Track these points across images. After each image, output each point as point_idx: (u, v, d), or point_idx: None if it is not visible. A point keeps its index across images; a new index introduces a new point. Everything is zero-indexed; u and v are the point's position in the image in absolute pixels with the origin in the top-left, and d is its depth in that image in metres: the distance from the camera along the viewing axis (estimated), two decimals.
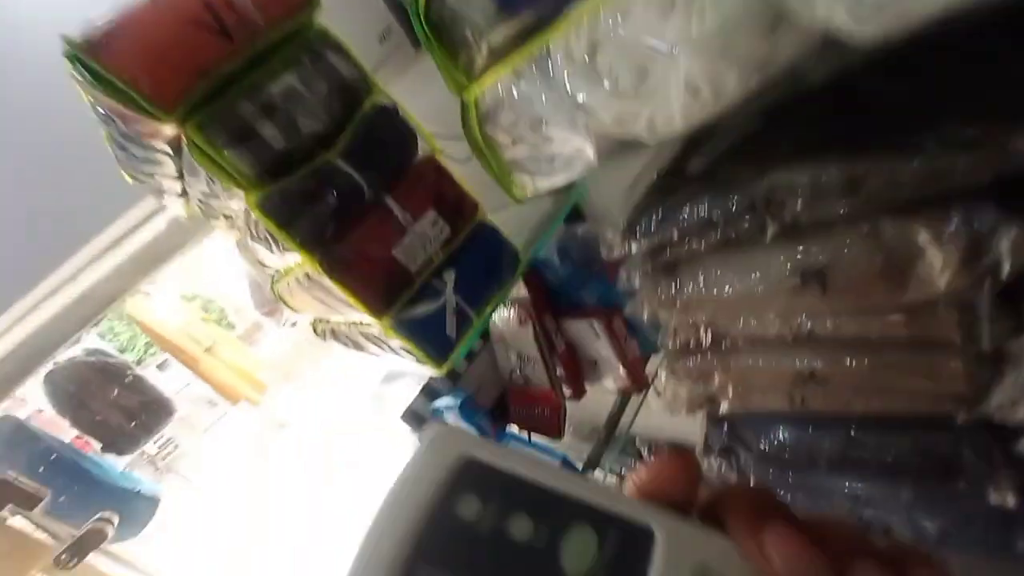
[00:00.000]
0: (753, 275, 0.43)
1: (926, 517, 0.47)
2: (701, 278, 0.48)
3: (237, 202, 0.57)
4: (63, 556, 1.13)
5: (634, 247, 0.51)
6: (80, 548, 1.17)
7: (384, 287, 0.61)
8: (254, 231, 0.58)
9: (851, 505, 0.52)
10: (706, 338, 0.53)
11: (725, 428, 0.60)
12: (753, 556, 0.14)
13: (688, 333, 0.55)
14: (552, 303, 0.98)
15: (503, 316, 1.04)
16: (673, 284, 0.50)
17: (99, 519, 1.29)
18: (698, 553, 0.14)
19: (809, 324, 0.44)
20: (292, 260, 0.63)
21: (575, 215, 0.90)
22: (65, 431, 2.32)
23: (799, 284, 0.40)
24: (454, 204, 0.66)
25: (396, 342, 0.67)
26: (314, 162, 0.52)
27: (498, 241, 0.72)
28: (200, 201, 0.66)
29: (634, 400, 1.00)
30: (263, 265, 0.80)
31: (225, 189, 0.51)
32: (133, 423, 2.08)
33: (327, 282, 0.61)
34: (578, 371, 1.00)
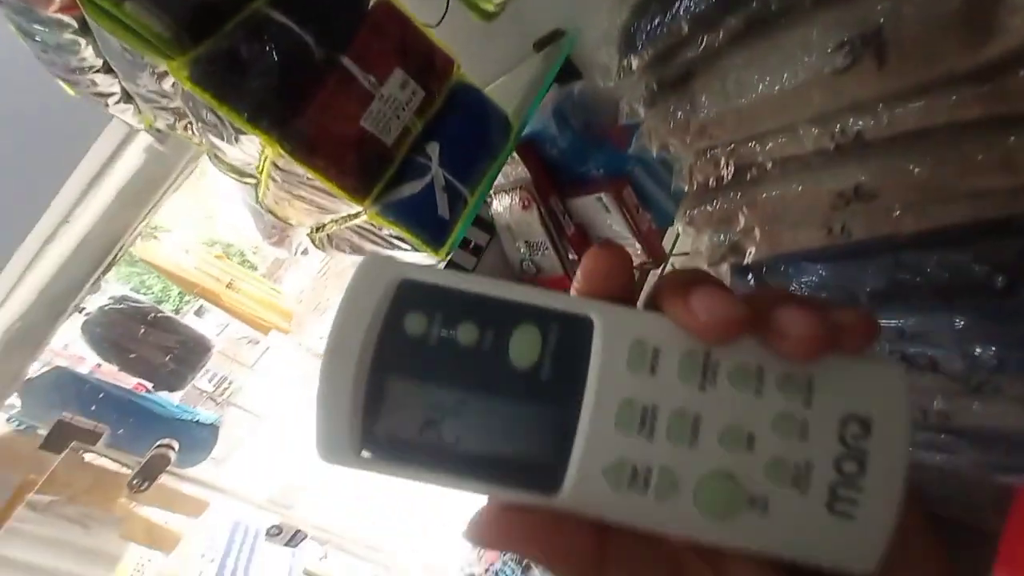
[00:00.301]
0: (787, 65, 0.35)
1: (982, 342, 0.42)
2: (719, 85, 0.39)
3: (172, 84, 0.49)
4: (134, 481, 1.22)
5: (635, 62, 0.42)
6: (148, 473, 1.27)
7: (359, 164, 0.55)
8: (202, 117, 0.52)
9: (894, 342, 0.47)
10: (727, 171, 0.45)
11: (751, 279, 0.54)
12: (681, 318, 0.15)
13: (707, 170, 0.47)
14: (556, 182, 0.90)
15: (505, 203, 0.97)
16: (686, 102, 0.42)
17: (160, 446, 1.38)
18: (633, 330, 0.15)
19: (857, 124, 0.36)
20: (253, 150, 0.57)
21: (568, 73, 0.78)
22: (123, 379, 2.48)
23: (848, 63, 0.32)
24: (424, 60, 0.57)
25: (388, 230, 0.62)
26: (242, 13, 0.43)
27: (483, 105, 0.64)
28: (144, 99, 0.59)
29: (652, 278, 0.95)
30: (236, 172, 0.74)
31: (148, 63, 0.44)
32: (169, 357, 2.19)
33: (299, 170, 0.55)
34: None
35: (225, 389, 4.16)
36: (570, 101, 0.78)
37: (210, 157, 0.76)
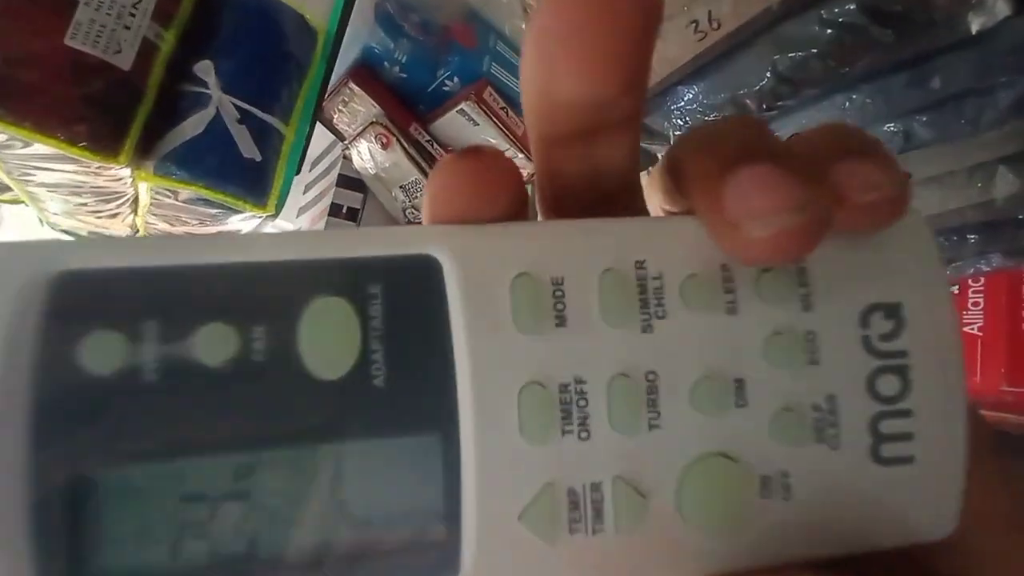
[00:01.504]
0: None
1: (887, 117, 0.36)
2: None
3: None
4: None
5: None
6: None
7: (86, 104, 0.38)
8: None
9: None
10: None
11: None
12: (720, 234, 0.09)
13: None
14: (410, 106, 0.77)
15: (364, 151, 0.83)
16: None
17: None
18: (512, 261, 0.09)
19: None
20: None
21: None
22: None
23: None
24: None
25: (186, 193, 0.47)
26: None
27: (262, 4, 0.48)
28: None
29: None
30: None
31: None
32: None
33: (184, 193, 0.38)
34: None
35: None
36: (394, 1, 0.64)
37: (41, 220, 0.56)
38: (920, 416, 0.09)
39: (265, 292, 0.09)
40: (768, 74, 0.35)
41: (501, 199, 0.09)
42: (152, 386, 0.08)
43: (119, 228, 0.65)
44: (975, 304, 0.88)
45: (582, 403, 0.09)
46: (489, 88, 0.71)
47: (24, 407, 0.08)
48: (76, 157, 0.40)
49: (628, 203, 0.11)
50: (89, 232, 0.68)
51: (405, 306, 0.09)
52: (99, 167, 0.41)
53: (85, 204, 0.53)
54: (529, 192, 0.10)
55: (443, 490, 0.09)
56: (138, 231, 0.66)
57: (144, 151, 0.43)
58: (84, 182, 0.48)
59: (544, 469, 0.09)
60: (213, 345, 0.08)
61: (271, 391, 0.08)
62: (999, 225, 0.41)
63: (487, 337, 0.09)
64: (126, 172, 0.44)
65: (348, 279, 0.09)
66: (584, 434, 0.09)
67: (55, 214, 0.57)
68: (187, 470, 0.08)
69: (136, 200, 0.52)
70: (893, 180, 0.09)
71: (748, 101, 0.36)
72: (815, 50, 0.32)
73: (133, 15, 0.40)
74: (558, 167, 0.10)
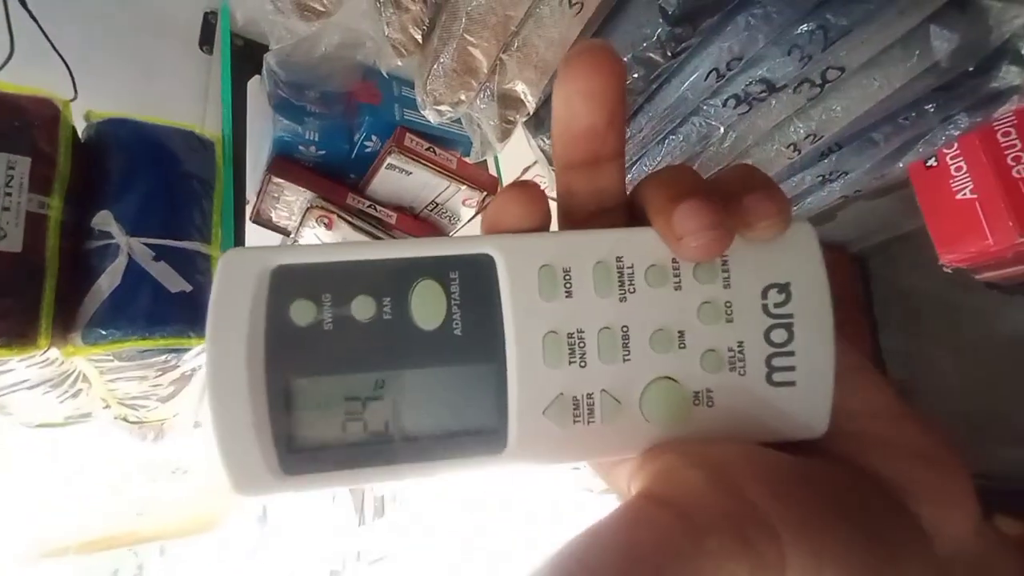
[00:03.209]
0: None
1: (798, 22, 0.34)
2: None
3: None
4: None
5: None
6: None
7: None
8: None
9: (721, 91, 0.38)
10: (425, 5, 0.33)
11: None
12: (671, 243, 0.14)
13: (409, 18, 0.34)
14: (338, 179, 0.75)
15: (311, 237, 0.80)
16: None
17: None
18: (538, 255, 0.14)
19: None
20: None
21: (248, 54, 0.62)
22: None
23: None
24: (5, 121, 0.39)
25: (126, 350, 0.44)
26: None
27: (146, 133, 0.46)
28: None
29: None
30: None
31: None
32: None
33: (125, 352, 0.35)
34: (428, 225, 0.81)
35: None
36: (275, 81, 0.62)
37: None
38: (800, 355, 0.14)
39: (390, 276, 0.14)
40: (661, 20, 0.32)
41: (536, 213, 0.14)
42: (328, 332, 0.13)
43: (87, 406, 0.62)
44: (958, 170, 0.85)
45: (582, 345, 0.14)
46: (408, 134, 0.69)
47: (260, 342, 0.13)
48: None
49: (619, 215, 0.15)
50: (66, 417, 0.64)
51: (473, 285, 0.14)
52: (22, 359, 0.38)
53: (46, 394, 0.51)
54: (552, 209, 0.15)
55: (496, 397, 0.14)
56: (108, 405, 0.63)
57: (65, 325, 0.40)
58: (27, 377, 0.46)
59: (558, 384, 0.14)
60: (362, 308, 0.13)
61: (394, 336, 0.13)
62: (952, 86, 0.38)
63: (523, 304, 0.14)
64: (55, 353, 0.40)
65: (438, 268, 0.14)
66: (583, 364, 0.14)
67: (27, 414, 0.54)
68: (348, 382, 0.13)
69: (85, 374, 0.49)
70: (780, 205, 0.13)
71: (652, 55, 0.34)
72: None
73: (9, 194, 0.37)
74: (573, 187, 0.15)
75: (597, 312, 0.14)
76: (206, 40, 0.61)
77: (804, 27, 0.32)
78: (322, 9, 0.29)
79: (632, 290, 0.14)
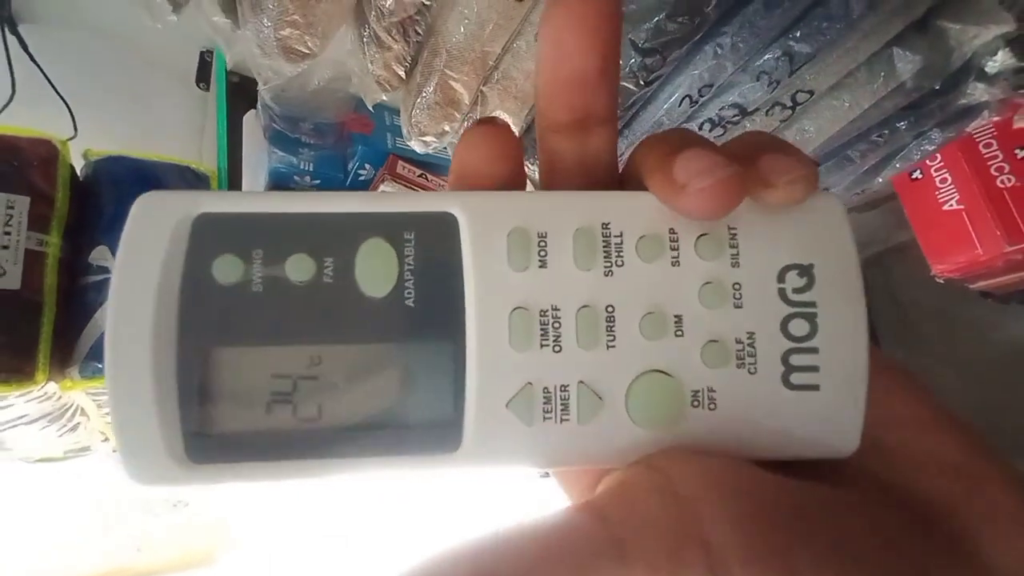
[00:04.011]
0: None
1: (764, 50, 0.35)
2: None
3: None
4: None
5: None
6: None
7: None
8: None
9: (696, 114, 0.39)
10: (410, 40, 0.34)
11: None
12: (668, 195, 0.11)
13: (393, 57, 0.36)
14: None
15: None
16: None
17: None
18: (509, 217, 0.12)
19: None
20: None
21: (242, 91, 0.64)
22: None
23: None
24: (5, 161, 0.40)
25: None
26: None
27: (143, 170, 0.48)
28: None
29: None
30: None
31: None
32: None
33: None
34: None
35: None
36: (270, 115, 0.64)
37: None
38: (825, 353, 0.11)
39: (334, 233, 0.12)
40: (632, 52, 0.34)
41: (506, 155, 0.12)
42: (257, 295, 0.11)
43: (86, 439, 0.62)
44: (943, 181, 0.86)
45: (556, 325, 0.11)
46: (400, 162, 0.71)
47: (174, 302, 0.11)
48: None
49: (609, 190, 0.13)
50: (65, 451, 0.65)
51: (430, 248, 0.12)
52: (20, 395, 0.39)
53: (44, 429, 0.51)
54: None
55: (451, 383, 0.11)
56: (106, 438, 0.63)
57: (63, 359, 0.41)
58: (26, 412, 0.46)
59: (526, 371, 0.11)
60: (298, 269, 0.11)
61: (334, 303, 0.11)
62: (920, 104, 0.40)
63: (488, 273, 0.11)
64: (53, 387, 0.41)
65: (391, 226, 0.12)
66: (557, 348, 0.11)
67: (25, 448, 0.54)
68: (277, 355, 0.11)
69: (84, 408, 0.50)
70: (804, 164, 0.11)
71: (626, 83, 0.35)
72: (662, 13, 0.31)
73: (8, 233, 0.38)
74: (558, 153, 0.13)
75: (577, 287, 0.12)
76: (202, 77, 0.63)
77: (769, 55, 0.33)
78: (307, 51, 0.31)
79: (620, 263, 0.12)
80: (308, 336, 0.11)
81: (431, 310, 0.11)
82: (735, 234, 0.12)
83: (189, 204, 0.11)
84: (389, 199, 0.12)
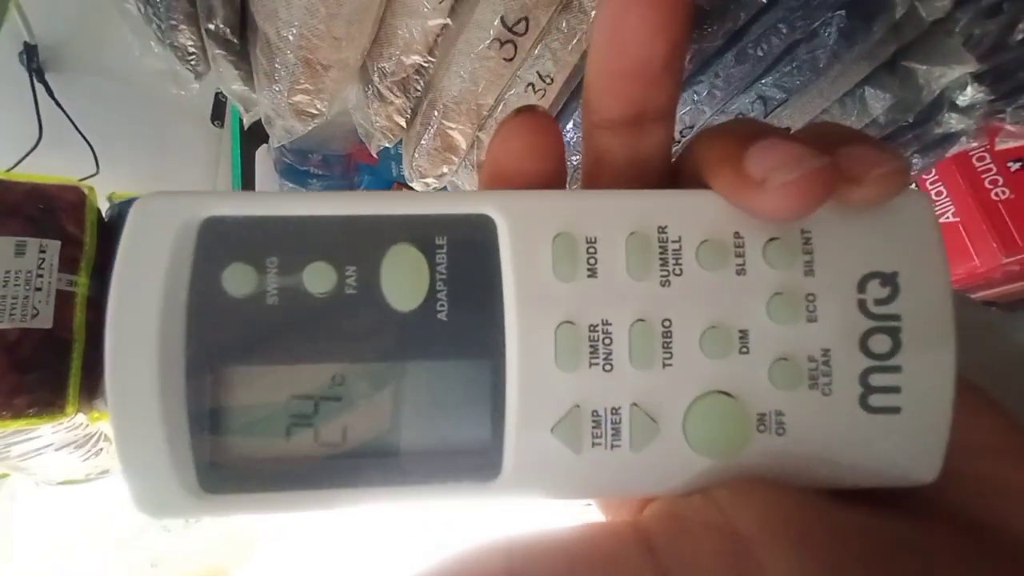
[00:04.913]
0: None
1: (744, 79, 0.37)
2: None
3: None
4: None
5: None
6: None
7: (17, 375, 0.39)
8: None
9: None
10: (406, 93, 0.37)
11: None
12: (738, 194, 0.10)
13: (392, 106, 0.39)
14: None
15: None
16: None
17: None
18: (555, 220, 0.10)
19: None
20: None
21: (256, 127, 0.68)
22: None
23: None
24: (32, 206, 0.43)
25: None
26: None
27: None
28: None
29: None
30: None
31: None
32: None
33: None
34: None
35: None
36: (281, 149, 0.67)
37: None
38: (908, 373, 0.10)
39: (357, 239, 0.11)
40: None
41: (547, 149, 0.11)
42: (273, 308, 0.10)
43: (107, 463, 0.65)
44: (939, 194, 0.87)
45: (607, 341, 0.10)
46: (403, 189, 0.74)
47: (180, 317, 0.10)
48: (26, 428, 0.40)
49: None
50: (87, 474, 0.67)
51: (465, 255, 0.11)
52: (52, 426, 0.42)
53: (70, 455, 0.54)
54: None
55: (490, 406, 0.10)
56: None
57: (91, 392, 0.44)
58: (52, 441, 0.49)
59: (573, 392, 0.10)
60: (317, 279, 0.10)
61: (358, 317, 0.10)
62: (894, 136, 0.41)
63: (531, 283, 0.10)
64: (81, 418, 0.44)
65: (420, 231, 0.11)
66: (608, 367, 0.10)
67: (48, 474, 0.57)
68: (296, 375, 0.10)
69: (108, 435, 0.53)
70: (896, 157, 0.10)
71: None
72: None
73: (41, 275, 0.41)
74: (606, 152, 0.12)
75: (630, 299, 0.10)
76: (217, 115, 0.67)
77: (744, 99, 0.36)
78: (316, 112, 0.33)
79: (678, 271, 0.11)
80: (330, 354, 0.10)
81: (466, 325, 0.10)
82: (809, 238, 0.11)
83: (195, 206, 0.10)
84: (418, 199, 0.11)
